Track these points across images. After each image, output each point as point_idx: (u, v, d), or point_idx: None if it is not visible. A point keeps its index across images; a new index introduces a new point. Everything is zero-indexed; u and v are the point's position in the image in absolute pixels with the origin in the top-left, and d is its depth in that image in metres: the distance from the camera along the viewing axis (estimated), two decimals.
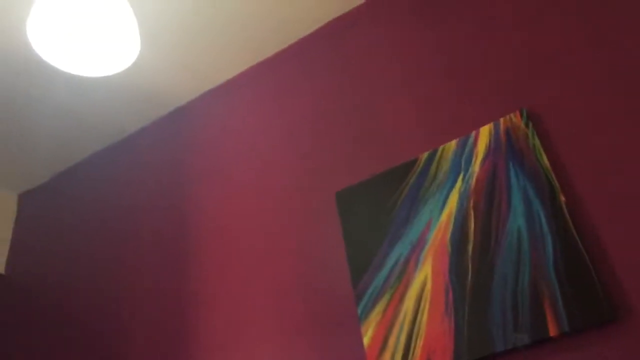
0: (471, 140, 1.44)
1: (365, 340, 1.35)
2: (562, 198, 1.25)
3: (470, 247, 1.31)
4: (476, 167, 1.40)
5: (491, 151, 1.40)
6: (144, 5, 1.77)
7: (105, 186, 2.25)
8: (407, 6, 1.79)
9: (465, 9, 1.67)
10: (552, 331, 1.13)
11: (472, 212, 1.35)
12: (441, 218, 1.38)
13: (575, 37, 1.44)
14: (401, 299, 1.34)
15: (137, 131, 2.27)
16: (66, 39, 1.17)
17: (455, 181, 1.41)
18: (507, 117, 1.42)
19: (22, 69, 1.91)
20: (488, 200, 1.34)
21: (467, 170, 1.41)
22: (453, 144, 1.47)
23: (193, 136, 2.09)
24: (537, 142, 1.34)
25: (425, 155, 1.50)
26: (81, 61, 1.21)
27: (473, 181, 1.38)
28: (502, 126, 1.42)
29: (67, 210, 2.29)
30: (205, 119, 2.10)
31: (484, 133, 1.43)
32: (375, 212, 1.49)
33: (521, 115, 1.40)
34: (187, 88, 2.12)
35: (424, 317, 1.29)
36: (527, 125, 1.38)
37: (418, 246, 1.38)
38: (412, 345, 1.28)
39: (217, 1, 1.80)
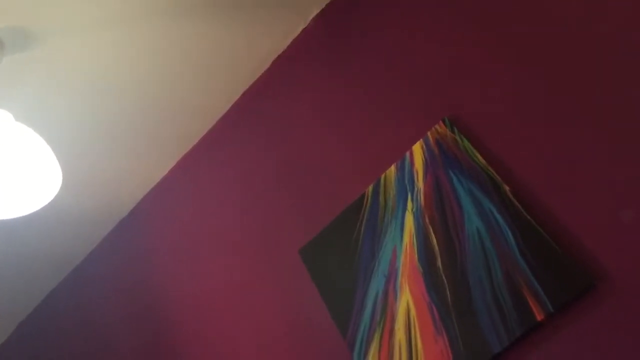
0: (407, 160, 1.48)
1: None
2: (506, 187, 1.28)
3: (439, 262, 1.32)
4: (420, 184, 1.43)
5: (429, 165, 1.43)
6: (50, 125, 1.76)
7: (72, 320, 2.17)
8: (309, 56, 1.86)
9: (367, 39, 1.74)
10: (539, 316, 1.14)
11: (430, 228, 1.37)
12: (404, 242, 1.40)
13: (473, 42, 1.52)
14: (391, 333, 1.33)
15: (88, 255, 2.22)
16: None
17: (405, 203, 1.43)
18: (433, 129, 1.47)
19: None
20: (441, 212, 1.36)
21: (412, 190, 1.43)
22: (392, 169, 1.50)
23: (146, 241, 2.06)
24: (467, 143, 1.39)
25: (370, 188, 1.52)
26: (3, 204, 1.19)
27: (422, 198, 1.41)
28: (431, 139, 1.46)
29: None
30: (152, 221, 2.08)
31: (417, 150, 1.47)
32: (340, 257, 1.49)
33: (445, 123, 1.45)
34: (124, 199, 2.10)
35: (418, 343, 1.28)
36: (452, 131, 1.43)
37: (391, 276, 1.38)
38: None
39: (126, 107, 1.81)
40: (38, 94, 1.64)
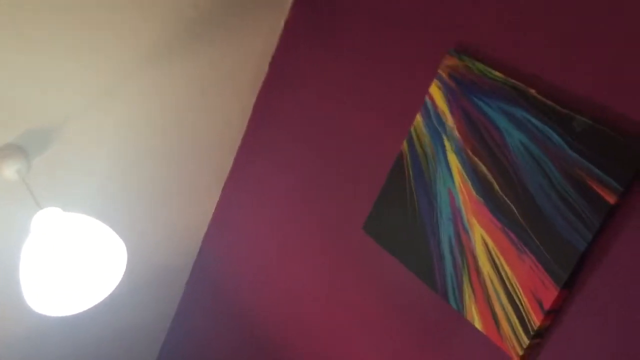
0: (429, 103, 1.47)
1: (478, 326, 1.33)
2: (532, 91, 1.27)
3: (496, 186, 1.31)
4: (450, 121, 1.42)
5: (451, 100, 1.43)
6: (95, 205, 1.85)
7: None
8: (302, 44, 1.87)
9: (350, 5, 1.73)
10: (611, 199, 1.12)
11: (475, 158, 1.36)
12: (456, 181, 1.40)
13: None
14: (478, 270, 1.33)
15: (179, 303, 2.32)
16: (58, 288, 1.23)
17: (443, 145, 1.43)
18: (442, 64, 1.46)
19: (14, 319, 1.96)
20: (480, 139, 1.35)
21: (444, 129, 1.43)
22: (418, 118, 1.50)
23: (226, 271, 2.14)
24: (479, 65, 1.37)
25: (404, 143, 1.52)
26: (85, 296, 1.27)
27: (457, 133, 1.41)
28: (443, 75, 1.45)
29: None
30: (223, 250, 2.15)
31: (435, 91, 1.46)
32: (402, 219, 1.50)
33: (451, 55, 1.44)
34: (190, 242, 2.18)
35: (507, 270, 1.28)
36: (462, 59, 1.41)
37: (456, 218, 1.39)
38: (516, 299, 1.26)
39: (151, 162, 1.88)
40: (73, 182, 1.72)
